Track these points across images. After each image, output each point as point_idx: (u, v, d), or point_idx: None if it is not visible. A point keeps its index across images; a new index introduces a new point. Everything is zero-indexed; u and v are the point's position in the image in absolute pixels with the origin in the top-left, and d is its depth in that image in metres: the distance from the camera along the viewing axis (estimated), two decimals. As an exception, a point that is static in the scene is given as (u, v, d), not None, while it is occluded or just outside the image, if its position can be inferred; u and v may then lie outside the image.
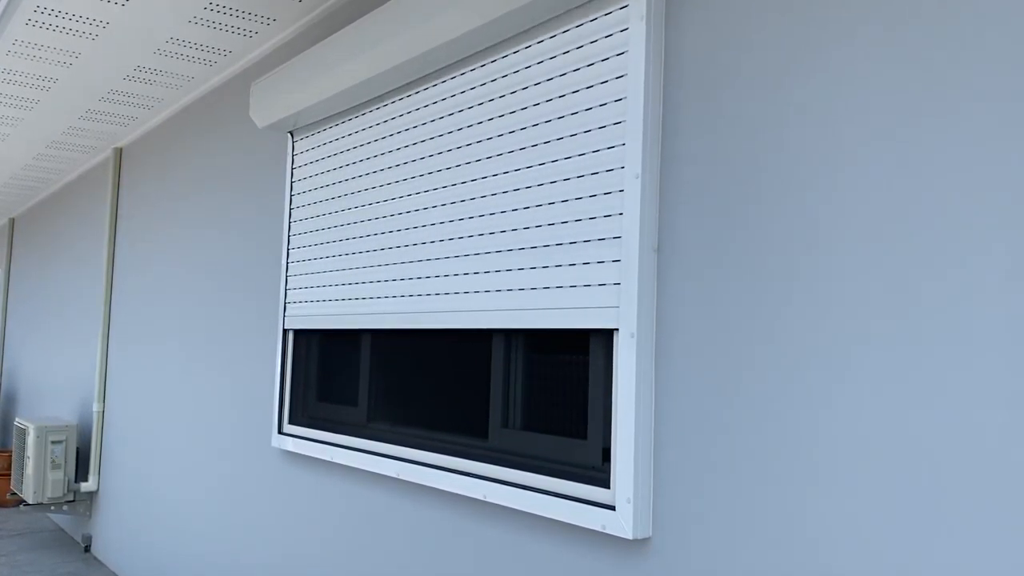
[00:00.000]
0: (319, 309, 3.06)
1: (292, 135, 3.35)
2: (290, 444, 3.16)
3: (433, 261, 2.48)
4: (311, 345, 3.20)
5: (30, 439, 5.34)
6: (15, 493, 5.61)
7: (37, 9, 3.34)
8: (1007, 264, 1.29)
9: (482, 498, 2.19)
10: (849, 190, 1.50)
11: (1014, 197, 1.28)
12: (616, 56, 1.93)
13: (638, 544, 1.82)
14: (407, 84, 2.66)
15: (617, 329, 1.87)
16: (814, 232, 1.55)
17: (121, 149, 5.58)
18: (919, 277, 1.39)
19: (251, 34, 3.58)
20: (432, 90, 2.55)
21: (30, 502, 5.30)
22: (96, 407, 5.42)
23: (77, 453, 5.75)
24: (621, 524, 1.80)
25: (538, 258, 2.10)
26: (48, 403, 6.75)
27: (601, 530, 1.85)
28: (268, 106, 3.21)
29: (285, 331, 3.30)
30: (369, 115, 2.87)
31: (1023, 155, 1.28)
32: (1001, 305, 1.29)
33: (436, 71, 2.53)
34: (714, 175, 1.74)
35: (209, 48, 3.76)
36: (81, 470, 5.73)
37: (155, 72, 4.11)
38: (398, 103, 2.71)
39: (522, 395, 2.24)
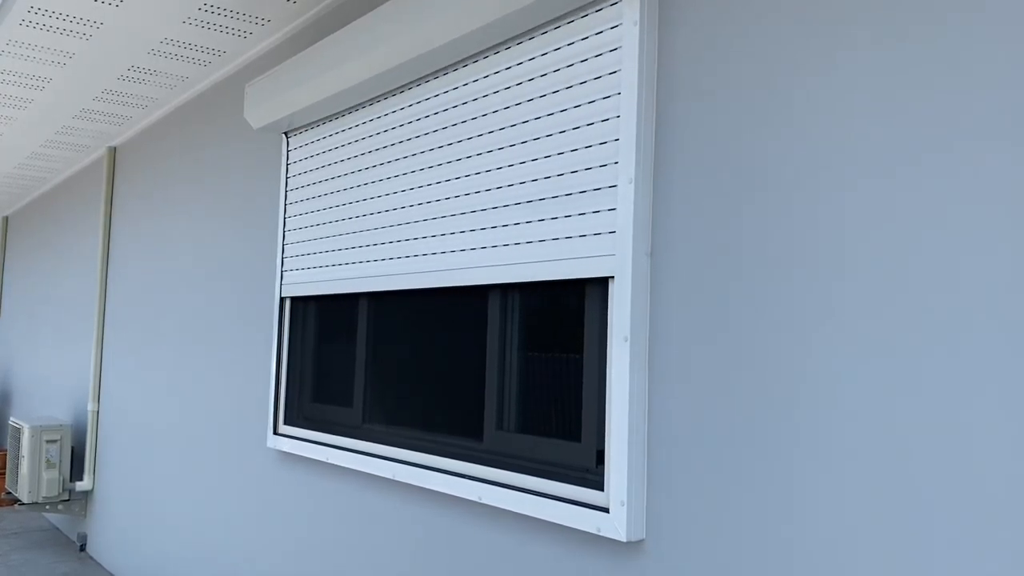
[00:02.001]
0: (317, 276, 3.07)
1: (287, 136, 3.35)
2: (285, 445, 3.16)
3: (428, 273, 2.49)
4: (307, 323, 3.21)
5: (25, 439, 5.34)
6: (10, 493, 5.60)
7: (31, 9, 3.33)
8: (1007, 268, 1.30)
9: (477, 500, 2.20)
10: (844, 194, 1.52)
11: (1016, 199, 1.30)
12: (610, 59, 1.94)
13: (632, 546, 1.84)
14: (402, 87, 2.66)
15: (611, 337, 1.88)
16: (808, 235, 1.56)
17: (115, 148, 5.57)
18: (916, 279, 1.40)
19: (245, 35, 3.58)
20: (427, 94, 2.56)
21: (25, 501, 5.30)
22: (91, 406, 5.42)
23: (72, 452, 5.75)
24: (615, 526, 1.82)
25: (534, 253, 2.11)
26: (43, 402, 6.74)
27: (595, 532, 1.86)
28: (263, 108, 3.21)
29: (282, 299, 3.31)
30: (364, 116, 2.87)
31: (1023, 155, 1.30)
32: (1000, 308, 1.30)
33: (431, 75, 2.53)
34: (708, 179, 1.75)
35: (203, 48, 3.76)
36: (76, 469, 5.73)
37: (149, 72, 4.10)
38: (394, 106, 2.72)
39: (517, 397, 2.25)
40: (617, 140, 1.90)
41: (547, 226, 2.07)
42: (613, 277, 1.88)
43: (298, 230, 3.22)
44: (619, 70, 1.91)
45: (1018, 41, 1.30)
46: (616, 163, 1.89)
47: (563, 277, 2.03)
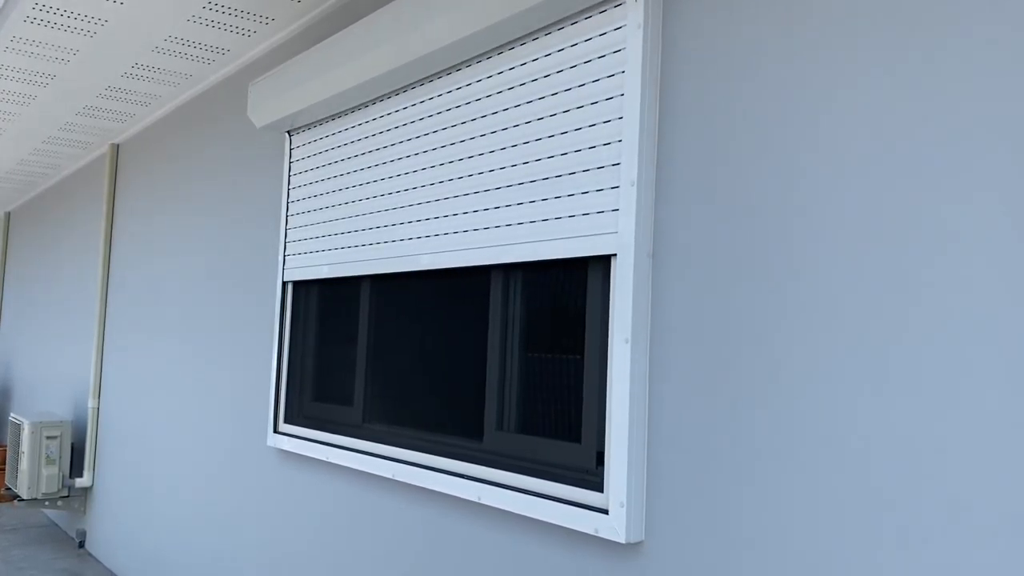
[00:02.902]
0: (319, 259, 3.09)
1: (290, 134, 3.35)
2: (285, 443, 3.17)
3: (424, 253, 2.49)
4: (308, 320, 3.21)
5: (25, 435, 5.34)
6: (10, 489, 5.61)
7: (36, 6, 3.34)
8: (1006, 265, 1.30)
9: (476, 500, 2.21)
10: (845, 195, 1.52)
11: (1014, 198, 1.30)
12: (613, 62, 1.94)
13: (631, 548, 1.84)
14: (406, 86, 2.67)
15: (612, 338, 1.88)
16: (810, 237, 1.57)
17: (118, 145, 5.57)
18: (916, 280, 1.40)
19: (249, 33, 3.58)
20: (430, 92, 2.56)
21: (25, 497, 5.30)
22: (91, 403, 5.43)
23: (72, 449, 5.75)
24: (614, 528, 1.82)
25: (536, 232, 2.11)
26: (43, 399, 6.74)
27: (594, 534, 1.86)
28: (266, 106, 3.21)
29: (283, 289, 3.32)
30: (367, 115, 2.87)
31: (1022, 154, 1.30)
32: (999, 307, 1.30)
33: (434, 74, 2.54)
34: (710, 181, 1.75)
35: (207, 47, 3.76)
36: (76, 466, 5.73)
37: (153, 70, 4.11)
38: (398, 104, 2.72)
39: (517, 398, 2.25)
40: (621, 137, 1.90)
41: (550, 205, 2.07)
42: (615, 255, 1.88)
43: (300, 217, 3.23)
44: (623, 55, 1.91)
45: (1016, 45, 1.30)
46: (620, 148, 1.90)
47: (565, 256, 2.02)
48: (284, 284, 3.32)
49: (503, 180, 2.23)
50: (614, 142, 1.92)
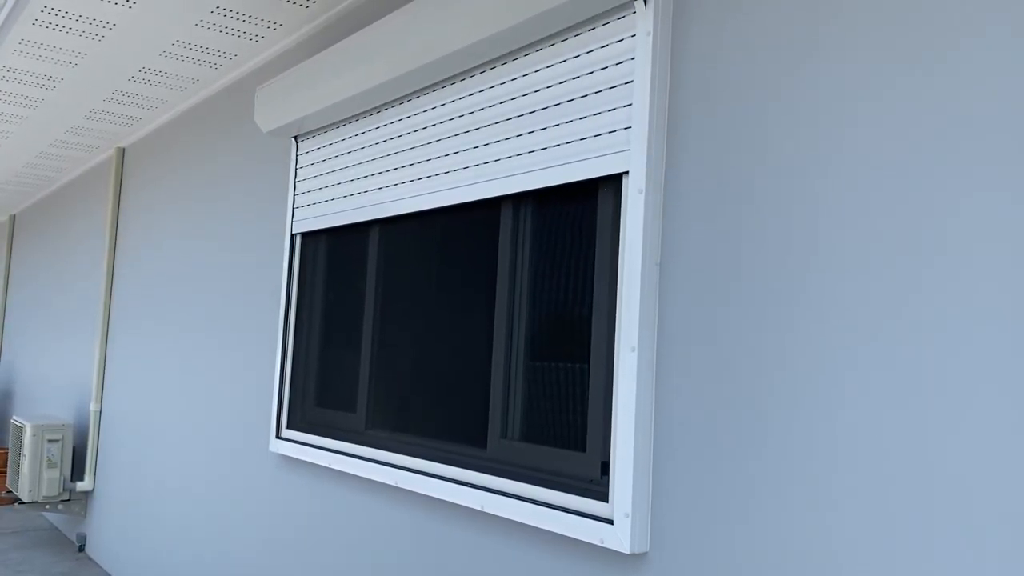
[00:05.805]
0: (324, 211, 3.06)
1: (296, 140, 3.35)
2: (287, 449, 3.15)
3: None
4: (312, 331, 3.21)
5: (26, 437, 5.33)
6: (11, 491, 5.60)
7: (44, 9, 3.35)
8: (1007, 268, 1.29)
9: (480, 508, 2.19)
10: (852, 203, 1.51)
11: (1015, 199, 1.29)
12: (623, 70, 1.93)
13: (635, 559, 1.82)
14: (413, 92, 2.66)
15: (618, 346, 1.87)
16: (817, 245, 1.56)
17: (124, 149, 5.58)
18: (921, 288, 1.39)
19: (257, 38, 3.59)
20: (435, 97, 2.56)
21: (25, 500, 5.29)
22: (93, 406, 5.42)
23: (73, 452, 5.75)
24: (619, 538, 1.80)
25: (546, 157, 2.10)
26: (45, 401, 6.74)
27: (599, 544, 1.85)
28: (272, 111, 3.21)
29: (293, 236, 3.33)
30: (375, 121, 2.87)
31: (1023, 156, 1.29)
32: (1000, 309, 1.29)
33: (440, 81, 2.53)
34: (718, 189, 1.74)
35: (214, 51, 3.77)
36: (77, 469, 5.72)
37: (160, 74, 4.11)
38: (404, 110, 2.72)
39: (521, 406, 2.24)
40: (629, 145, 1.89)
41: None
42: (628, 172, 1.88)
43: (307, 209, 3.22)
44: (633, 63, 1.90)
45: (1016, 43, 1.29)
46: (627, 156, 1.89)
47: (573, 179, 2.04)
48: (289, 273, 3.31)
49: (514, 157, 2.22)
50: (621, 129, 1.91)
